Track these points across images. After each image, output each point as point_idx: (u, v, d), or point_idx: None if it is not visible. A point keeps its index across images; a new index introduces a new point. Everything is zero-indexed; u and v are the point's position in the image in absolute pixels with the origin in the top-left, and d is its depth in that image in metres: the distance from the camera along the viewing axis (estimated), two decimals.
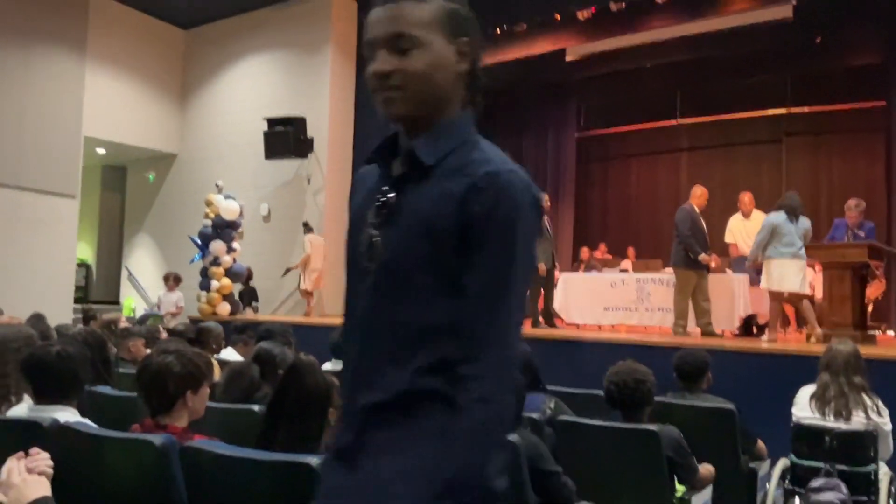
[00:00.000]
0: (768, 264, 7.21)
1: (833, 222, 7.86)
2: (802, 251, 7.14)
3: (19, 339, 3.06)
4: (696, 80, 12.93)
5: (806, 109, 12.57)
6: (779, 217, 7.16)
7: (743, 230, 8.55)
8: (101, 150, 13.31)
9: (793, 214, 7.15)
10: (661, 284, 8.75)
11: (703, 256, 7.78)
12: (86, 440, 2.44)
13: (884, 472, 3.68)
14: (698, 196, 8.16)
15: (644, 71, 12.56)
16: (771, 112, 12.81)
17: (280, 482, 2.11)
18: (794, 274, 7.09)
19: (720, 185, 11.98)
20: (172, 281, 11.30)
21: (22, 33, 10.73)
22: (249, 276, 11.68)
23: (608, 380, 3.35)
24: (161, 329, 6.72)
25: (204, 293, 10.98)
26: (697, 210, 8.07)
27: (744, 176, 12.88)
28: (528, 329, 8.74)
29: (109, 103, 12.21)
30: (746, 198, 8.81)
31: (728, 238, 8.94)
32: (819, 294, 8.34)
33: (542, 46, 11.61)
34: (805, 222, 7.23)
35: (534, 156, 14.18)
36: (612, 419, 3.47)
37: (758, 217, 8.53)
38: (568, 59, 12.16)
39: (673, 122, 13.69)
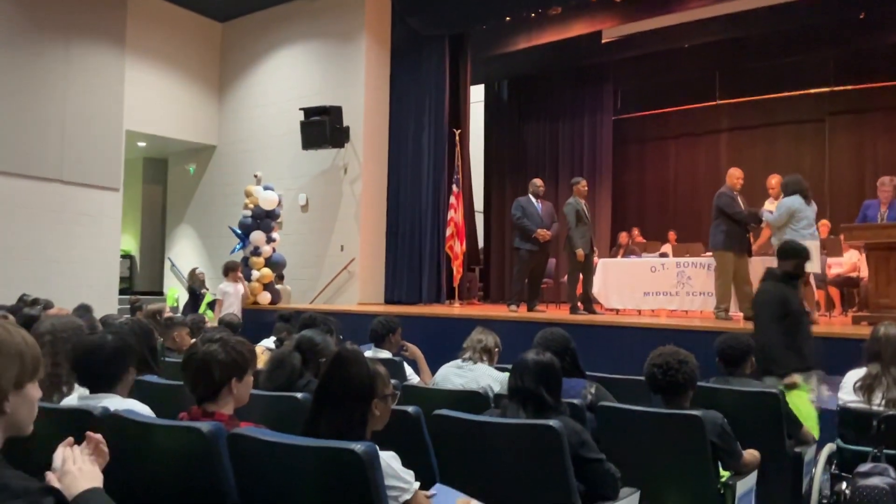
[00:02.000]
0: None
1: (862, 204, 7.71)
2: (817, 233, 7.30)
3: (68, 330, 3.14)
4: (735, 59, 12.70)
5: (849, 87, 12.27)
6: (796, 201, 7.14)
7: None
8: (141, 144, 13.53)
9: (806, 197, 7.19)
10: (701, 268, 8.65)
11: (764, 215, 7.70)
12: (135, 428, 2.49)
13: None
14: (736, 178, 8.04)
15: (682, 51, 12.38)
16: (813, 91, 12.53)
17: (326, 468, 2.14)
18: (817, 256, 7.16)
19: (762, 166, 11.77)
20: (240, 271, 10.23)
21: (62, 29, 10.93)
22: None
23: (651, 363, 3.31)
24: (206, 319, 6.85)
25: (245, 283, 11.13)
26: (734, 192, 7.96)
27: (785, 156, 12.64)
28: (567, 315, 8.71)
29: (149, 97, 12.39)
30: (773, 181, 8.57)
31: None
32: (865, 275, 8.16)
33: (577, 29, 11.50)
34: (814, 205, 7.30)
35: (570, 140, 14.07)
36: (653, 405, 3.45)
37: None
38: (604, 41, 12.04)
39: (712, 103, 13.48)
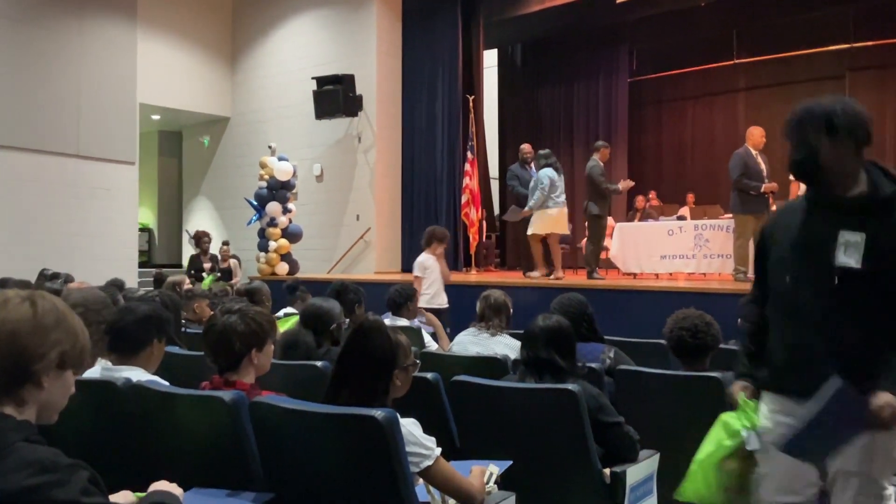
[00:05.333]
0: (545, 213, 8.40)
1: None
2: (564, 202, 8.64)
3: (98, 303, 3.19)
4: (752, 16, 12.45)
5: (870, 43, 12.01)
6: (553, 173, 8.42)
7: None
8: (155, 117, 13.55)
9: (557, 169, 8.53)
10: (719, 230, 8.58)
11: (764, 186, 7.64)
12: (158, 398, 2.53)
13: None
14: (755, 136, 7.93)
15: (698, 10, 12.15)
16: (833, 47, 12.29)
17: (347, 435, 2.16)
18: (565, 221, 8.76)
19: (780, 124, 11.56)
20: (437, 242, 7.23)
21: (75, 2, 10.90)
22: (198, 239, 10.99)
23: (677, 326, 3.29)
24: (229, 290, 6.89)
25: (262, 254, 11.19)
26: (754, 152, 7.85)
27: None
28: (584, 280, 8.70)
29: (162, 69, 12.37)
30: None
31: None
32: None
33: None
34: (562, 175, 8.64)
35: (584, 103, 13.91)
36: (670, 368, 3.44)
37: None
38: (619, 0, 11.82)
39: (729, 62, 13.27)
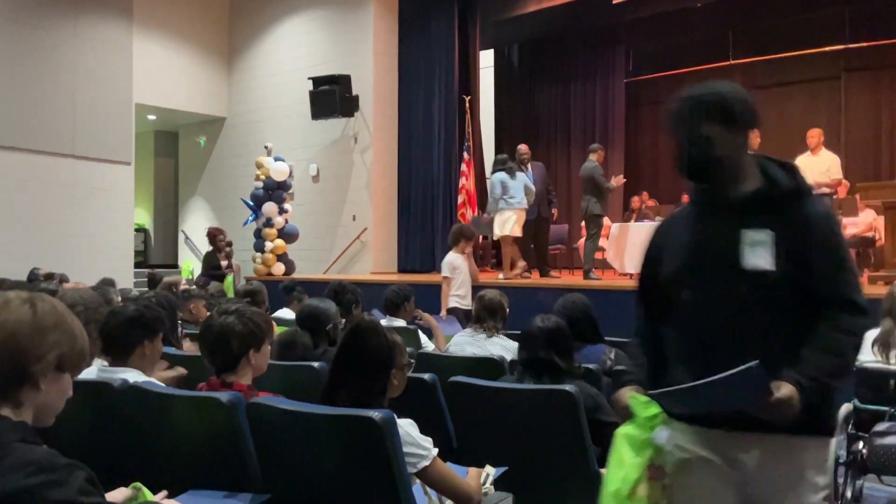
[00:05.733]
0: (500, 215, 8.47)
1: None
2: (524, 202, 8.54)
3: (95, 302, 3.19)
4: (749, 17, 12.48)
5: (865, 44, 12.04)
6: (504, 176, 8.44)
7: (813, 166, 8.30)
8: (152, 117, 13.53)
9: (511, 172, 8.51)
10: None
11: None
12: (155, 399, 2.52)
13: None
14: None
15: (695, 10, 12.17)
16: (828, 48, 12.31)
17: (344, 436, 2.16)
18: (516, 221, 8.50)
19: (776, 125, 11.60)
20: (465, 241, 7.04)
21: (70, 2, 10.87)
22: (212, 236, 10.45)
23: None
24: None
25: (259, 254, 11.17)
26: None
27: (800, 115, 12.44)
28: (580, 280, 8.71)
29: (158, 69, 12.35)
30: (815, 132, 8.57)
31: None
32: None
33: None
34: (522, 177, 8.57)
35: (581, 103, 13.92)
36: None
37: (825, 155, 8.33)
38: (615, 1, 11.84)
39: (725, 63, 13.28)
